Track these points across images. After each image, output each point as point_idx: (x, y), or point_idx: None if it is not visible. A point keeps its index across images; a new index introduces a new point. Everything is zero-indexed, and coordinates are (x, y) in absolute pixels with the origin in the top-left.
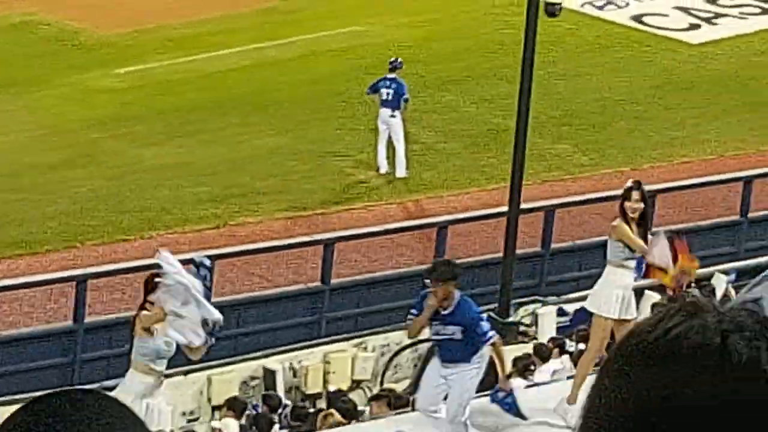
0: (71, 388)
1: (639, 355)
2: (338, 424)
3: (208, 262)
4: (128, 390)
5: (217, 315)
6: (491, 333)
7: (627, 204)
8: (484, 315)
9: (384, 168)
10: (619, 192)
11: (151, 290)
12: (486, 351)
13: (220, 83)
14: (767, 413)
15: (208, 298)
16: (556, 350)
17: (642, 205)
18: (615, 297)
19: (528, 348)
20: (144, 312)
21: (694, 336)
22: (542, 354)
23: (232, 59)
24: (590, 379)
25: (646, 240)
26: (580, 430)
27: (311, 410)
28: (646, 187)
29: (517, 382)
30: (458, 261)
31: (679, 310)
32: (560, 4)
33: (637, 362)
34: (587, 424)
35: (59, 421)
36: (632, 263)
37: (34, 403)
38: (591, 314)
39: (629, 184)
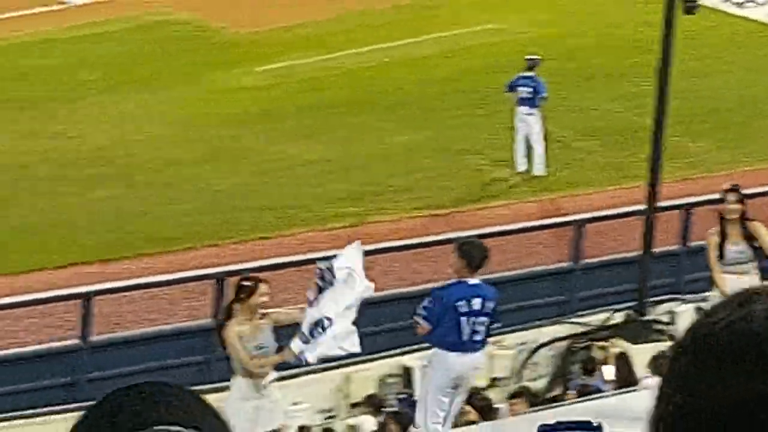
0: (152, 381)
1: (688, 350)
2: (474, 422)
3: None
4: (236, 395)
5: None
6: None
7: (725, 207)
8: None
9: (521, 166)
10: (760, 189)
11: (245, 296)
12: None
13: (358, 80)
14: None
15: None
16: None
17: (739, 207)
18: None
19: (665, 347)
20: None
21: (740, 325)
22: None
23: (371, 56)
24: None
25: (750, 241)
26: (651, 421)
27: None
28: None
29: (652, 381)
30: (596, 259)
31: (732, 300)
32: (698, 1)
33: (686, 357)
34: (658, 414)
35: (139, 409)
36: (753, 265)
37: (114, 395)
38: None
39: (728, 186)
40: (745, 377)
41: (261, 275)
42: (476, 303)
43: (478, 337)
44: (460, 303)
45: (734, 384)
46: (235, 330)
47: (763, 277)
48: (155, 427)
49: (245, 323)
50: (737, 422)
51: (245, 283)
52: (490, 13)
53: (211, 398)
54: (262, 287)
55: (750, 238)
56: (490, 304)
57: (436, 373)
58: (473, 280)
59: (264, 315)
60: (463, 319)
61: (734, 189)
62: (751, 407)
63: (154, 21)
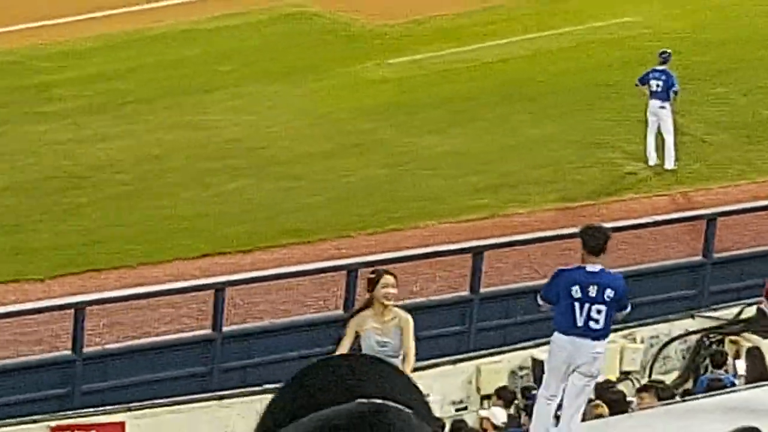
0: (358, 354)
1: None
2: (603, 416)
3: None
4: None
5: None
6: None
7: None
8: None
9: (653, 160)
10: None
11: (370, 288)
12: None
13: (492, 73)
14: None
15: None
16: None
17: None
18: None
19: None
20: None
21: None
22: None
23: (505, 49)
24: None
25: None
26: None
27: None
28: None
29: None
30: (727, 253)
31: None
32: None
33: None
34: None
35: (349, 381)
36: None
37: (319, 366)
38: None
39: None
40: None
41: (389, 267)
42: (592, 290)
43: (595, 326)
44: (574, 288)
45: None
46: (354, 321)
47: None
48: (361, 400)
49: (373, 317)
50: None
51: (370, 275)
52: (626, 6)
53: None
54: (386, 278)
55: None
56: (610, 293)
57: (550, 353)
58: (593, 267)
59: (394, 313)
60: (577, 304)
61: None
62: None
63: (289, 13)
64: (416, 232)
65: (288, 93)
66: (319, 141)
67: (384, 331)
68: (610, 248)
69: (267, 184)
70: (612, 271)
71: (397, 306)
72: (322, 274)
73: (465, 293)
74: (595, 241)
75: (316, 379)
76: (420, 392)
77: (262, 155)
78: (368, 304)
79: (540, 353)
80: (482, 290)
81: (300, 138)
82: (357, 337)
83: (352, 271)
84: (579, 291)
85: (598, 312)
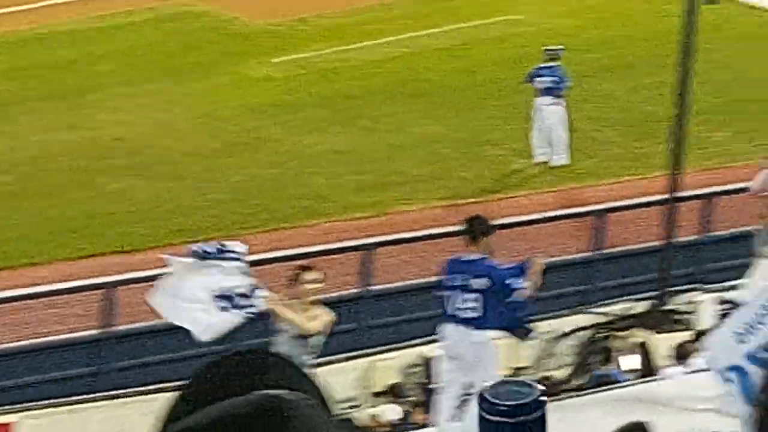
0: (255, 349)
1: None
2: None
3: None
4: None
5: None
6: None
7: None
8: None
9: (540, 157)
10: None
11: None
12: None
13: (376, 72)
14: None
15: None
16: None
17: None
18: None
19: (686, 336)
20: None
21: None
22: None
23: (389, 48)
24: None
25: None
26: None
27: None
28: None
29: (672, 370)
30: (617, 249)
31: None
32: None
33: None
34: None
35: (248, 374)
36: None
37: (221, 362)
38: None
39: None
40: None
41: (275, 266)
42: (467, 278)
43: (470, 314)
44: (451, 276)
45: None
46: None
47: None
48: (262, 391)
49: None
50: None
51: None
52: (511, 4)
53: None
54: (306, 275)
55: None
56: (482, 281)
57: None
58: (470, 255)
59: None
60: (453, 291)
61: None
62: None
63: (174, 12)
64: (303, 231)
65: (172, 92)
66: (204, 140)
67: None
68: (499, 243)
69: (152, 183)
70: (495, 261)
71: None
72: None
73: (356, 291)
74: (471, 228)
75: (215, 374)
76: (314, 382)
77: (147, 155)
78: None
79: (431, 350)
80: (372, 288)
81: (184, 137)
82: None
83: None
84: (455, 279)
85: (473, 300)
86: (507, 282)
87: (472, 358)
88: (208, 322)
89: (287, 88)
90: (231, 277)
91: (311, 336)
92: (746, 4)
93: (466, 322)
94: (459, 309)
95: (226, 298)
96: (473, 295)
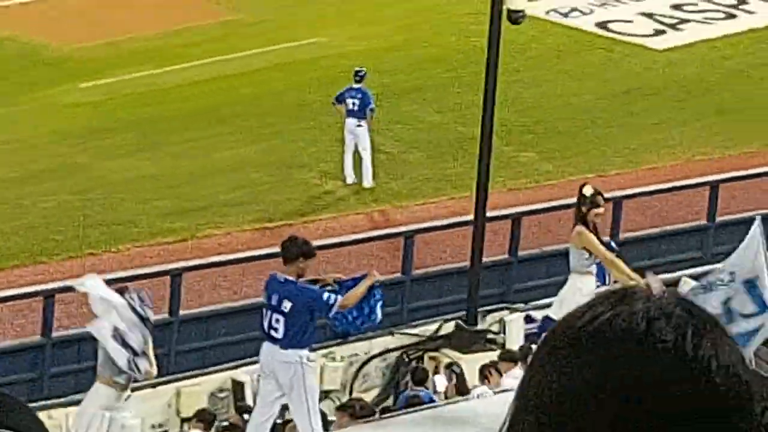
0: None
1: (566, 342)
2: None
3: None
4: (93, 402)
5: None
6: None
7: (595, 211)
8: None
9: (350, 178)
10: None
11: None
12: None
13: (185, 96)
14: (690, 397)
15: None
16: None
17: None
18: (577, 302)
19: (494, 356)
20: None
21: (620, 322)
22: (512, 358)
23: (197, 72)
24: None
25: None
26: (511, 418)
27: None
28: (614, 194)
29: (481, 390)
30: (426, 270)
31: (607, 297)
32: (524, 11)
33: (565, 349)
34: (516, 412)
35: None
36: (594, 269)
37: None
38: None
39: (591, 190)
40: (624, 372)
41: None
42: (274, 299)
43: (275, 334)
44: (266, 294)
45: (613, 377)
46: None
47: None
48: None
49: None
50: (614, 412)
51: None
52: (317, 27)
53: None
54: None
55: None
56: (287, 304)
57: None
58: (282, 276)
59: None
60: (265, 310)
61: (600, 192)
62: (635, 397)
63: None
64: (112, 256)
65: None
66: (12, 167)
67: None
68: (309, 266)
69: None
70: (304, 284)
71: None
72: (20, 300)
73: (164, 316)
74: (284, 250)
75: None
76: (38, 421)
77: None
78: None
79: (240, 374)
80: (181, 312)
81: None
82: None
83: (48, 297)
84: (267, 298)
85: (277, 321)
86: (306, 307)
87: (282, 378)
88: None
89: (95, 114)
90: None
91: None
92: (551, 22)
93: (274, 340)
94: (270, 327)
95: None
96: (280, 316)
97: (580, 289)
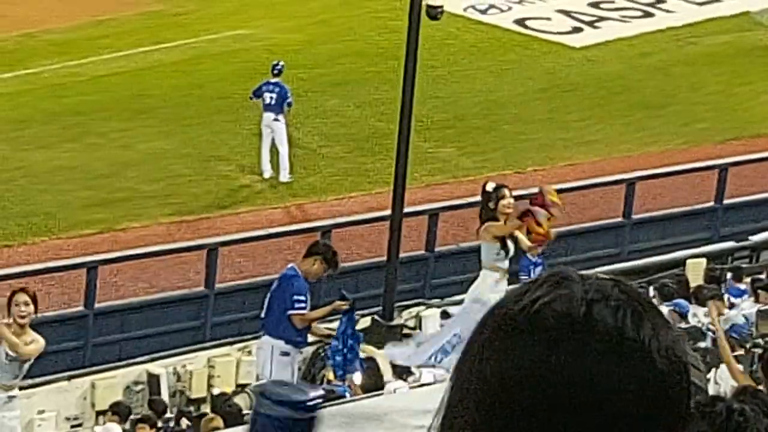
0: None
1: (504, 326)
2: (218, 428)
3: None
4: None
5: None
6: None
7: (503, 203)
8: None
9: (268, 172)
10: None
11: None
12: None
13: (105, 87)
14: (631, 381)
15: None
16: None
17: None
18: (492, 300)
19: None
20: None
21: (559, 306)
22: None
23: (117, 63)
24: None
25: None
26: (447, 406)
27: (195, 414)
28: (531, 190)
29: (397, 384)
30: (343, 265)
31: (546, 280)
32: (442, 7)
33: (502, 333)
34: (453, 398)
35: None
36: (506, 264)
37: None
38: None
39: (494, 185)
40: (564, 356)
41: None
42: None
43: (262, 316)
44: None
45: (553, 362)
46: None
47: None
48: None
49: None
50: (554, 396)
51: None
52: (239, 19)
53: None
54: (18, 297)
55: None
56: (274, 286)
57: None
58: (294, 268)
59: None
60: None
61: (504, 185)
62: (568, 384)
63: None
64: (28, 249)
65: None
66: None
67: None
68: (227, 259)
69: None
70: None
71: None
72: None
73: (80, 308)
74: (310, 246)
75: None
76: None
77: None
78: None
79: (155, 367)
80: (97, 305)
81: None
82: None
83: None
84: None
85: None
86: (284, 293)
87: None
88: None
89: (15, 104)
90: None
91: (26, 361)
92: (469, 19)
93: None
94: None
95: None
96: (267, 299)
97: (491, 285)
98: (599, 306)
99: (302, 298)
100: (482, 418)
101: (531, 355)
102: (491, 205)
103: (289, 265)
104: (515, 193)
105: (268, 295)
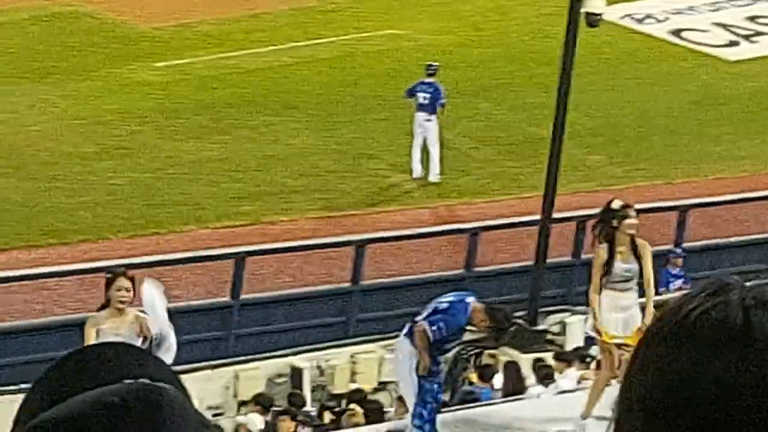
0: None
1: (663, 338)
2: (359, 424)
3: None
4: None
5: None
6: None
7: (627, 223)
8: None
9: (418, 172)
10: (650, 205)
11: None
12: None
13: (256, 81)
14: None
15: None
16: (576, 360)
17: (638, 222)
18: (615, 318)
19: (550, 357)
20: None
21: (716, 314)
22: (566, 359)
23: (271, 57)
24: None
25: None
26: (617, 414)
27: (337, 409)
28: (680, 202)
29: (539, 389)
30: (488, 268)
31: (703, 290)
32: (601, 14)
33: (662, 345)
34: (621, 408)
35: (112, 363)
36: (632, 284)
37: (81, 352)
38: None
39: (620, 203)
40: (722, 365)
41: (146, 271)
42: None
43: None
44: None
45: (712, 371)
46: (90, 321)
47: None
48: (127, 381)
49: (110, 317)
50: (716, 407)
51: (107, 275)
52: (393, 19)
53: None
54: (120, 281)
55: (637, 255)
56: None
57: None
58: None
59: (136, 315)
60: None
61: (630, 205)
62: (728, 394)
63: (56, 12)
64: (177, 237)
65: (50, 93)
66: (82, 142)
67: (121, 331)
68: (372, 257)
69: (27, 183)
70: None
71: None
72: (82, 276)
73: (225, 299)
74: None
75: (77, 365)
76: (175, 374)
77: (23, 154)
78: (105, 305)
79: (299, 361)
80: (242, 296)
81: (62, 139)
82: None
83: (111, 272)
84: None
85: None
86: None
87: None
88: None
89: (167, 94)
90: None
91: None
92: (626, 27)
93: None
94: None
95: None
96: None
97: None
98: (757, 312)
99: (443, 327)
100: (648, 429)
101: (690, 365)
102: (615, 223)
103: (471, 298)
104: (665, 204)
105: (434, 304)
